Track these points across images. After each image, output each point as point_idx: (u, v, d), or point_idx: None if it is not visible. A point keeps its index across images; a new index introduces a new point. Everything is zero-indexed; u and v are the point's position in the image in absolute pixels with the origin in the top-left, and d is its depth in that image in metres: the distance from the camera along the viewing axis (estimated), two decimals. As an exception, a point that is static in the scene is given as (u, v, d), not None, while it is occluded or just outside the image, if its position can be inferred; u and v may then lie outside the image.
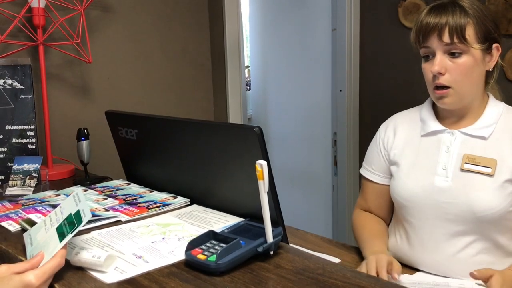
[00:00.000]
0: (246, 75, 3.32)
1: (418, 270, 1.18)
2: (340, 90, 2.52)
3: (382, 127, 1.29)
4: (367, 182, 1.30)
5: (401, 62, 2.27)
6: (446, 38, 1.07)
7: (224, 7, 2.11)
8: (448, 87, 1.10)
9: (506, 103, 1.18)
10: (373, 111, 2.47)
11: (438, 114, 1.19)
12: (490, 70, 1.13)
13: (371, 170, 1.28)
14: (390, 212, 1.30)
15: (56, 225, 0.84)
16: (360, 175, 1.33)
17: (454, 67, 1.08)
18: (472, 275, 1.02)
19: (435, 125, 1.17)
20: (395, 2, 2.26)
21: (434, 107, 1.21)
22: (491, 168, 1.07)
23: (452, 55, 1.08)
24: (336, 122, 2.59)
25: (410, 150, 1.20)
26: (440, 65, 1.08)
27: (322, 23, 2.59)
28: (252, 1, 3.00)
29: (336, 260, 1.20)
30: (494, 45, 1.11)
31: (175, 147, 1.14)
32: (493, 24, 1.10)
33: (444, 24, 1.07)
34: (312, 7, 2.65)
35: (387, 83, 2.38)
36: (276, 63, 2.91)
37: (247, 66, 3.31)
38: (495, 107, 1.14)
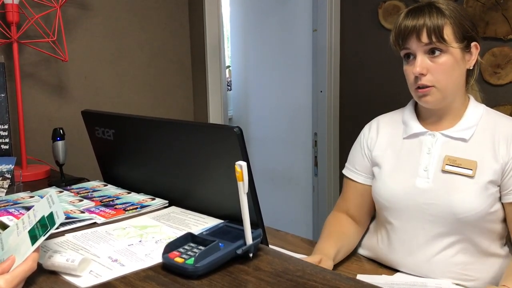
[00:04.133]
0: (227, 75, 3.30)
1: (398, 271, 1.18)
2: (321, 91, 2.52)
3: (366, 127, 1.30)
4: (349, 181, 1.29)
5: (381, 63, 2.29)
6: (424, 38, 1.08)
7: (204, 6, 2.09)
8: (430, 86, 1.10)
9: (485, 103, 1.20)
10: (353, 112, 2.48)
11: (420, 115, 1.20)
12: (471, 68, 1.14)
13: (354, 170, 1.28)
14: (369, 214, 1.30)
15: (29, 228, 0.82)
16: (343, 176, 1.32)
17: (435, 67, 1.09)
18: None
19: (416, 127, 1.18)
20: (375, 4, 2.28)
21: (416, 109, 1.22)
22: (471, 169, 1.08)
23: (432, 55, 1.09)
24: (316, 122, 2.60)
25: (392, 151, 1.20)
26: (421, 66, 1.09)
27: (302, 23, 2.59)
28: (233, 1, 2.98)
29: (316, 261, 1.19)
30: (473, 43, 1.12)
31: (153, 148, 1.11)
32: (470, 23, 1.11)
33: (422, 26, 1.08)
34: (293, 8, 2.65)
35: (367, 84, 2.40)
36: (257, 63, 2.90)
37: (228, 66, 3.29)
38: (475, 108, 1.15)
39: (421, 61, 1.10)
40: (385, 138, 1.23)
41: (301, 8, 2.59)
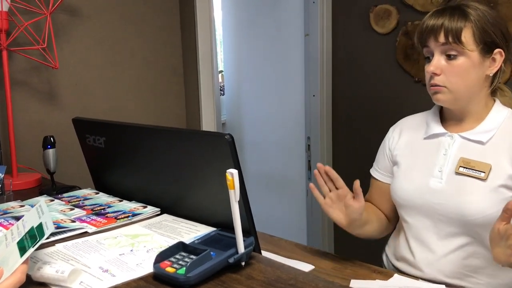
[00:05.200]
0: (220, 80, 3.30)
1: (398, 272, 1.18)
2: (313, 95, 2.52)
3: (391, 129, 1.34)
4: (373, 180, 1.35)
5: (373, 66, 2.29)
6: (441, 38, 1.10)
7: (195, 11, 2.09)
8: (442, 86, 1.12)
9: None
10: (346, 116, 2.48)
11: (443, 117, 1.22)
12: (491, 75, 1.13)
13: (376, 169, 1.34)
14: (391, 211, 1.32)
15: (18, 239, 0.80)
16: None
17: (449, 68, 1.10)
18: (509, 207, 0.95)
19: (437, 128, 1.20)
20: (366, 8, 2.28)
21: (440, 111, 1.24)
22: (484, 172, 1.08)
23: (449, 57, 1.10)
24: (309, 127, 2.60)
25: (411, 151, 1.24)
26: (435, 66, 1.11)
27: (295, 28, 2.59)
28: (225, 5, 2.99)
29: (310, 266, 1.19)
30: (497, 50, 1.11)
31: (145, 155, 1.11)
32: (496, 30, 1.10)
33: (440, 26, 1.10)
34: (285, 13, 2.65)
35: (359, 88, 2.40)
36: (250, 68, 2.90)
37: (221, 71, 3.29)
38: (499, 112, 1.15)
39: (437, 61, 1.11)
40: (407, 138, 1.27)
41: (293, 13, 2.59)
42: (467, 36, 1.08)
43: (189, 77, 2.19)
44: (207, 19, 2.14)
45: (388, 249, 1.33)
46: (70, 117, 1.29)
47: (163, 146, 1.05)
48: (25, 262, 0.75)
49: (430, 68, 1.12)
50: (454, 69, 1.10)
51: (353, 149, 2.41)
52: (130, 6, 1.97)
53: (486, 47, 1.10)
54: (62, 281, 0.77)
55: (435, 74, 1.12)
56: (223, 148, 0.89)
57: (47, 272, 0.78)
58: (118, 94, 1.96)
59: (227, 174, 0.78)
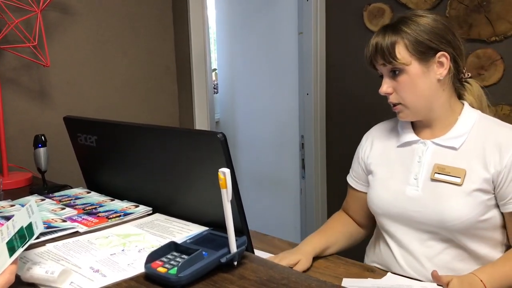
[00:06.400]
0: (214, 78, 3.29)
1: (392, 273, 1.18)
2: (307, 94, 2.52)
3: (364, 137, 1.33)
4: (349, 187, 1.35)
5: (366, 65, 2.29)
6: (379, 60, 1.12)
7: (188, 9, 2.08)
8: (397, 104, 1.14)
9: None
10: (339, 114, 2.48)
11: (414, 124, 1.21)
12: (441, 78, 1.12)
13: (352, 176, 1.33)
14: (368, 218, 1.32)
15: (7, 239, 0.79)
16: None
17: (397, 85, 1.12)
18: (434, 275, 1.02)
19: (409, 135, 1.20)
20: (360, 7, 2.28)
21: None
22: (459, 177, 1.08)
23: (394, 73, 1.12)
24: (303, 125, 2.59)
25: (386, 160, 1.22)
26: (386, 86, 1.14)
27: (288, 26, 2.59)
28: (219, 3, 2.97)
29: (304, 266, 1.19)
30: (439, 53, 1.10)
31: (137, 154, 1.10)
32: (433, 36, 1.09)
33: (375, 48, 1.12)
34: (279, 11, 2.65)
35: (353, 86, 2.40)
36: (244, 66, 2.89)
37: (214, 69, 3.28)
38: (468, 117, 1.14)
39: (386, 81, 1.13)
40: (380, 147, 1.25)
41: (286, 11, 2.59)
42: (401, 51, 1.09)
43: (182, 75, 2.18)
44: (200, 17, 2.13)
45: (367, 259, 1.32)
46: (62, 115, 1.28)
47: (155, 145, 1.04)
48: (14, 262, 0.74)
49: (381, 89, 1.14)
50: (401, 86, 1.11)
51: (347, 147, 2.40)
52: (122, 3, 1.95)
53: (425, 56, 1.09)
54: (52, 281, 0.76)
55: (388, 94, 1.14)
56: (216, 147, 0.88)
57: (37, 272, 0.77)
58: (110, 92, 1.94)
59: (219, 173, 0.77)
